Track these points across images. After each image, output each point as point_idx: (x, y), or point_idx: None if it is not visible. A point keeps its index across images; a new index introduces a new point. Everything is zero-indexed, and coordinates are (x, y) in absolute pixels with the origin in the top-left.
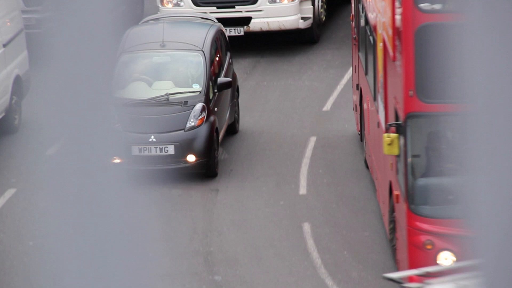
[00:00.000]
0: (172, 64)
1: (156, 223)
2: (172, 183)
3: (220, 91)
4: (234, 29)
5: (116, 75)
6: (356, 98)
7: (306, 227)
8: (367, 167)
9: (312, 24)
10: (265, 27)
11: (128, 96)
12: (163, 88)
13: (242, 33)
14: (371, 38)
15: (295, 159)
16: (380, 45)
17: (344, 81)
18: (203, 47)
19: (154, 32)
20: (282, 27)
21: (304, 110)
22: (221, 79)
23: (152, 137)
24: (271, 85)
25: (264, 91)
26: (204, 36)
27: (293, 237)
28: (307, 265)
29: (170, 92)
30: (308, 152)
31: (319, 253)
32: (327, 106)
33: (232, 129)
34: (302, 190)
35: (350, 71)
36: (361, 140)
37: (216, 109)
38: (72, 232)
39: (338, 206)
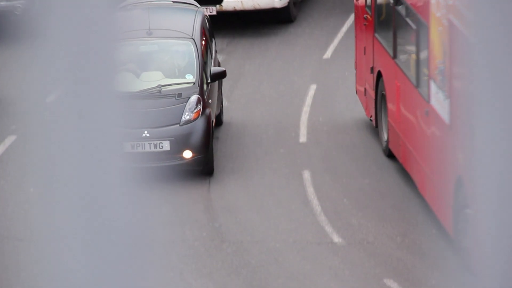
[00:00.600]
0: (161, 54)
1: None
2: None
3: (213, 82)
4: (206, 8)
5: None
6: (368, 81)
7: (306, 174)
8: (389, 155)
9: (289, 2)
10: (238, 7)
11: None
12: (152, 79)
13: (214, 13)
14: (409, 20)
15: (295, 107)
16: (439, 29)
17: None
18: (193, 35)
19: (138, 19)
20: (257, 6)
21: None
22: (215, 68)
23: (146, 132)
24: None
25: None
26: (192, 22)
27: (293, 184)
28: (307, 213)
29: (162, 84)
30: (308, 101)
31: (319, 200)
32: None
33: (217, 121)
34: (302, 138)
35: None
36: (376, 126)
37: (210, 101)
38: (71, 179)
39: (338, 154)
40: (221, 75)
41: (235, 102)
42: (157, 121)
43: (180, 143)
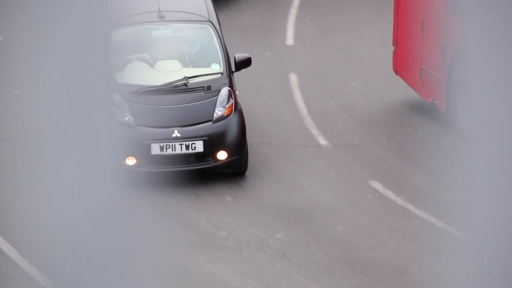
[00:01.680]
0: (176, 40)
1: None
2: None
3: (238, 71)
4: None
5: (112, 55)
6: (433, 61)
7: (293, 77)
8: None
9: None
10: None
11: (128, 81)
12: (168, 69)
13: None
14: None
15: (282, 9)
16: None
17: None
18: (209, 17)
19: (145, 1)
20: None
21: None
22: (240, 55)
23: (176, 131)
24: None
25: None
26: (203, 3)
27: (279, 87)
28: (294, 115)
29: (189, 76)
30: (296, 2)
31: (305, 103)
32: None
33: None
34: (289, 41)
35: None
36: (444, 110)
37: (237, 92)
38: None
39: (325, 56)
40: (247, 62)
41: (224, 6)
42: (187, 118)
43: (214, 143)
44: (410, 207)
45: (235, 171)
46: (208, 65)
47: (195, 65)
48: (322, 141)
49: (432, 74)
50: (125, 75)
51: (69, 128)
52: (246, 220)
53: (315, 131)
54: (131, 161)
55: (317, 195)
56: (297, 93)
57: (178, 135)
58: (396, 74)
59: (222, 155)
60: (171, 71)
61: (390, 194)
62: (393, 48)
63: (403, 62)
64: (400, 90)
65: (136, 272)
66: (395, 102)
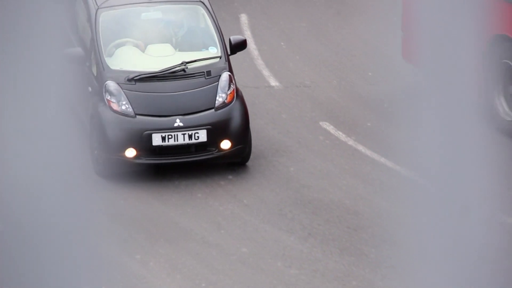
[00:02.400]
0: (167, 22)
1: None
2: None
3: (233, 54)
4: None
5: (101, 40)
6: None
7: (244, 18)
8: None
9: None
10: None
11: (122, 67)
12: (162, 54)
13: None
14: None
15: None
16: None
17: None
18: None
19: None
20: None
21: None
22: (235, 38)
23: (178, 120)
24: None
25: None
26: None
27: (230, 28)
28: (244, 57)
29: (187, 61)
30: None
31: (256, 44)
32: None
33: None
34: None
35: None
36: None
37: (235, 77)
38: None
39: None
40: (242, 45)
41: None
42: (189, 106)
43: (218, 132)
44: (360, 147)
45: (239, 161)
46: (202, 49)
47: (189, 49)
48: (273, 82)
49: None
50: (116, 61)
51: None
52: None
53: (266, 72)
54: (130, 153)
55: (269, 137)
56: (247, 34)
57: (181, 124)
58: (409, 62)
59: (225, 144)
60: (165, 56)
61: (341, 135)
62: (402, 34)
63: (407, 47)
64: (350, 31)
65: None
66: (346, 43)
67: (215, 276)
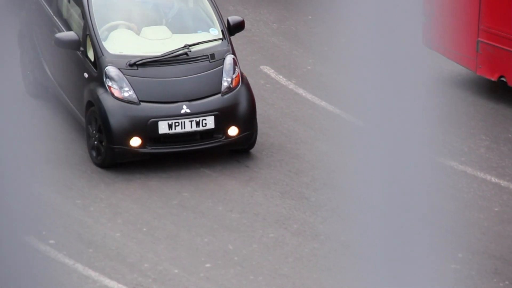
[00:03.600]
0: (160, 3)
1: None
2: None
3: (232, 35)
4: None
5: (95, 23)
6: (505, 32)
7: None
8: None
9: None
10: None
11: (122, 51)
12: (159, 37)
13: None
14: None
15: None
16: None
17: None
18: None
19: None
20: None
21: None
22: (233, 18)
23: (185, 107)
24: None
25: None
26: None
27: None
28: None
29: (190, 43)
30: None
31: None
32: None
33: None
34: None
35: None
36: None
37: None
38: None
39: None
40: (241, 26)
41: None
42: (195, 92)
43: (225, 118)
44: (301, 91)
45: (246, 148)
46: (198, 30)
47: (185, 31)
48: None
49: (498, 47)
50: (114, 45)
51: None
52: None
53: None
54: (135, 142)
55: None
56: None
57: (188, 110)
58: (432, 49)
59: (233, 131)
60: (162, 39)
61: (281, 79)
62: (423, 19)
63: (444, 35)
64: None
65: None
66: None
67: (156, 221)
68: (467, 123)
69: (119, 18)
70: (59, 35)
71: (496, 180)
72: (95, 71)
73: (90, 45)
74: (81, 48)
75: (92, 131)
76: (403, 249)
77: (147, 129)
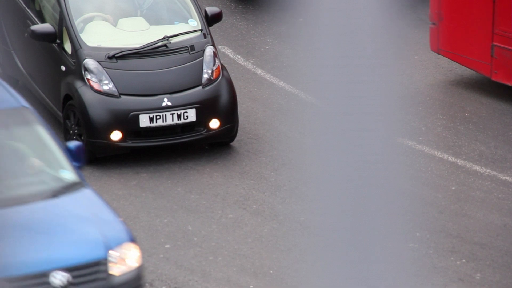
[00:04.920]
0: None
1: None
2: None
3: (210, 26)
4: None
5: (71, 14)
6: None
7: None
8: None
9: None
10: None
11: (100, 44)
12: (136, 28)
13: None
14: None
15: None
16: None
17: None
18: None
19: None
20: None
21: None
22: (211, 9)
23: (166, 99)
24: None
25: None
26: None
27: None
28: None
29: (169, 35)
30: None
31: None
32: None
33: None
34: None
35: None
36: None
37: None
38: None
39: None
40: (218, 17)
41: None
42: (175, 84)
43: (207, 110)
44: (259, 71)
45: (227, 141)
46: (175, 22)
47: (163, 22)
48: None
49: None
50: (91, 37)
51: None
52: None
53: None
54: (116, 136)
55: None
56: None
57: (169, 103)
58: (440, 54)
59: (214, 123)
60: (140, 30)
61: (239, 59)
62: (431, 24)
63: (454, 40)
64: None
65: None
66: None
67: (115, 202)
68: (424, 102)
69: (93, 9)
70: (35, 27)
71: (453, 159)
72: (72, 64)
73: (67, 38)
74: (57, 41)
75: (71, 125)
76: (361, 228)
77: (127, 122)
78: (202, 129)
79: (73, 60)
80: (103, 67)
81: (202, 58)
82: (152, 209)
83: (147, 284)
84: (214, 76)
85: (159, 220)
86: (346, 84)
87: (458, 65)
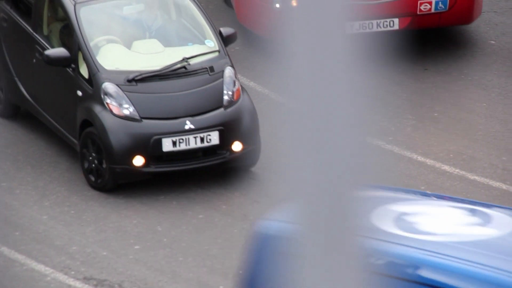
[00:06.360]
0: (150, 15)
1: None
2: None
3: (226, 47)
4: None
5: (86, 38)
6: None
7: None
8: None
9: None
10: None
11: (114, 67)
12: (150, 50)
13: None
14: None
15: None
16: None
17: None
18: None
19: None
20: None
21: None
22: (226, 30)
23: (188, 122)
24: None
25: None
26: None
27: None
28: None
29: (188, 56)
30: None
31: None
32: None
33: None
34: None
35: None
36: None
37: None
38: None
39: None
40: (233, 37)
41: None
42: (197, 106)
43: (229, 132)
44: None
45: (249, 164)
46: (191, 43)
47: (178, 43)
48: None
49: None
50: (108, 61)
51: None
52: None
53: None
54: (138, 161)
55: None
56: None
57: (192, 126)
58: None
59: (237, 146)
60: (155, 52)
61: None
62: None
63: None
64: None
65: None
66: None
67: (84, 203)
68: (393, 102)
69: (104, 32)
70: (49, 52)
71: (422, 159)
72: (90, 88)
73: (83, 61)
74: (72, 65)
75: (90, 153)
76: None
77: (150, 147)
78: (224, 152)
79: (90, 85)
80: (123, 91)
81: (222, 79)
82: (122, 210)
83: (116, 286)
84: (235, 97)
85: (128, 220)
86: (314, 85)
87: (428, 65)
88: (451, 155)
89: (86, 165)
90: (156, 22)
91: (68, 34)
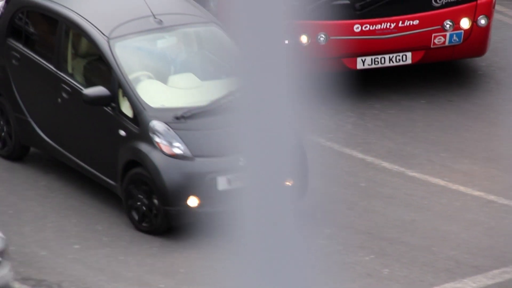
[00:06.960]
0: (183, 48)
1: None
2: None
3: None
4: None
5: (126, 75)
6: None
7: None
8: None
9: None
10: None
11: (160, 104)
12: (189, 85)
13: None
14: None
15: None
16: None
17: None
18: (208, 16)
19: (130, 3)
20: None
21: None
22: None
23: (242, 159)
24: None
25: None
26: (184, 2)
27: None
28: None
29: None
30: None
31: None
32: None
33: None
34: None
35: None
36: None
37: None
38: None
39: None
40: None
41: None
42: None
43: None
44: None
45: (300, 198)
46: (225, 76)
47: (211, 77)
48: None
49: None
50: (150, 97)
51: None
52: None
53: None
54: (193, 201)
55: None
56: None
57: None
58: None
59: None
60: (195, 87)
61: None
62: None
63: None
64: None
65: None
66: None
67: (23, 202)
68: (333, 99)
69: (140, 68)
70: (89, 91)
71: (362, 156)
72: (136, 127)
73: (123, 100)
74: (112, 104)
75: (138, 196)
76: (272, 227)
77: (205, 186)
78: None
79: (135, 124)
80: (172, 129)
81: None
82: (61, 209)
83: (55, 286)
84: None
85: (68, 220)
86: (254, 83)
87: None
88: (391, 152)
89: (136, 208)
90: (190, 55)
91: (97, 71)
